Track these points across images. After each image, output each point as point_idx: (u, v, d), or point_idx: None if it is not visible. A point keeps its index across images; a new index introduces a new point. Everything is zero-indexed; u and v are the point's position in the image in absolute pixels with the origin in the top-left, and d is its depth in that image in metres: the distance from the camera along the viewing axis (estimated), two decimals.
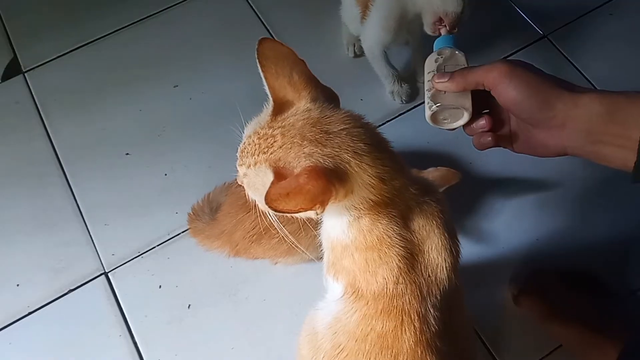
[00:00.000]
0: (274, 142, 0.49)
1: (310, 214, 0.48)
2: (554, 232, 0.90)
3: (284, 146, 0.48)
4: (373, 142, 0.50)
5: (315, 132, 0.48)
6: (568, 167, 0.94)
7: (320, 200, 0.46)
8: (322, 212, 0.48)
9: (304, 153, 0.47)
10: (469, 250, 0.87)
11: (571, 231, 0.90)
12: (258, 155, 0.49)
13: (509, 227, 0.90)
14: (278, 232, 0.73)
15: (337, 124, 0.49)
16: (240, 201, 0.76)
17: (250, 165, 0.50)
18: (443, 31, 0.76)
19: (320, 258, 0.61)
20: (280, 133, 0.49)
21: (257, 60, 0.52)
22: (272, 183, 0.47)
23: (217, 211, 0.84)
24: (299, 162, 0.47)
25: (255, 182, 0.51)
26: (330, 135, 0.48)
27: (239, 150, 0.53)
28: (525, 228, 0.90)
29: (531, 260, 0.87)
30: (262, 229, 0.73)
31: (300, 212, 0.47)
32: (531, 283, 0.84)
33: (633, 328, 0.75)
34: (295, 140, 0.48)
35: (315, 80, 0.52)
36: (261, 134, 0.50)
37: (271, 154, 0.49)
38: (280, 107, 0.51)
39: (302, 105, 0.51)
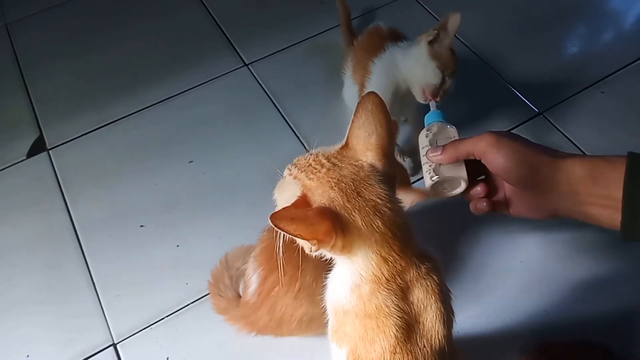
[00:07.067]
0: (319, 171, 0.54)
1: (305, 244, 0.52)
2: (563, 302, 0.89)
3: (322, 180, 0.53)
4: (391, 226, 0.53)
5: (350, 186, 0.53)
6: (572, 235, 0.95)
7: (319, 238, 0.50)
8: (317, 250, 0.52)
9: (329, 195, 0.52)
10: (476, 322, 0.87)
11: (580, 301, 0.89)
12: (302, 173, 0.55)
13: (516, 299, 0.90)
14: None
15: (372, 195, 0.53)
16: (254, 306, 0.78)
17: (293, 175, 0.55)
18: (432, 104, 0.82)
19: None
20: (328, 168, 0.54)
21: (358, 104, 0.57)
22: (289, 205, 0.52)
23: (237, 281, 0.84)
24: (320, 200, 0.52)
25: (287, 188, 0.56)
26: (360, 198, 0.52)
27: (298, 157, 0.58)
28: (532, 299, 0.90)
29: (540, 331, 0.86)
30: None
31: (297, 237, 0.51)
32: (541, 354, 0.82)
33: None
34: (331, 181, 0.53)
35: (386, 153, 0.56)
36: (318, 159, 0.55)
37: (309, 179, 0.54)
38: (348, 149, 0.57)
39: (361, 160, 0.55)
